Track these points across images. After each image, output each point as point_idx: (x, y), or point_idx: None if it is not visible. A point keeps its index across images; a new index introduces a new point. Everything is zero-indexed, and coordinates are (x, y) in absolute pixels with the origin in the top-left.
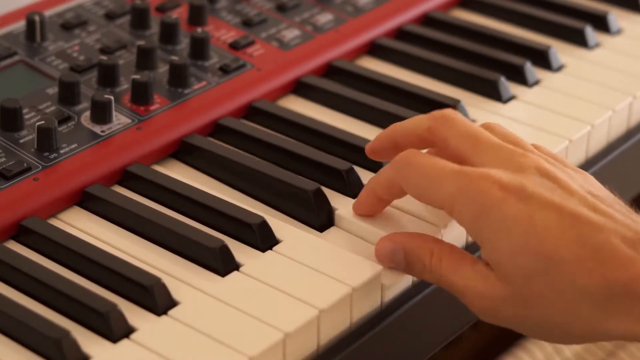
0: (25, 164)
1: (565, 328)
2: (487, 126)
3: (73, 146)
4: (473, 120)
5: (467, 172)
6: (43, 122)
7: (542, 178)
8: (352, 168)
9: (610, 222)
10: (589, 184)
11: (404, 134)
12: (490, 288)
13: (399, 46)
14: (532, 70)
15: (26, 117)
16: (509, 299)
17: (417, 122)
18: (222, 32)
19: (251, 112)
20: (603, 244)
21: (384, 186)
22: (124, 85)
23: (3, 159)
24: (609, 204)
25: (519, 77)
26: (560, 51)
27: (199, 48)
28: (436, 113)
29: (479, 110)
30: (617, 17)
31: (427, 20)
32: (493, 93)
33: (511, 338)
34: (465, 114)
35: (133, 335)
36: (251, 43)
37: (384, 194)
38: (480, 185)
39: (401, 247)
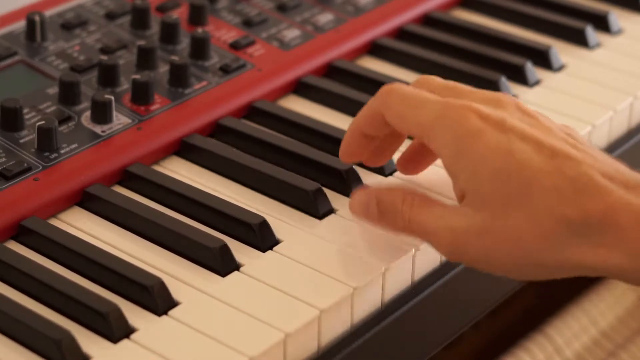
0: (25, 164)
1: (537, 259)
2: (426, 78)
3: (73, 146)
4: None
5: (448, 101)
6: (43, 122)
7: (523, 115)
8: (352, 168)
9: (589, 158)
10: (567, 129)
11: (367, 123)
12: (464, 219)
13: (399, 46)
14: (532, 70)
15: (26, 117)
16: (483, 229)
17: (370, 105)
18: (222, 32)
19: (251, 112)
20: (582, 176)
21: (366, 117)
22: (124, 85)
23: (3, 159)
24: (588, 146)
25: (520, 77)
26: (561, 51)
27: (200, 48)
28: (381, 91)
29: None
30: (618, 17)
31: (427, 20)
32: None
33: (511, 338)
34: None
35: (133, 336)
36: (251, 43)
37: (368, 128)
38: (460, 112)
39: (374, 196)
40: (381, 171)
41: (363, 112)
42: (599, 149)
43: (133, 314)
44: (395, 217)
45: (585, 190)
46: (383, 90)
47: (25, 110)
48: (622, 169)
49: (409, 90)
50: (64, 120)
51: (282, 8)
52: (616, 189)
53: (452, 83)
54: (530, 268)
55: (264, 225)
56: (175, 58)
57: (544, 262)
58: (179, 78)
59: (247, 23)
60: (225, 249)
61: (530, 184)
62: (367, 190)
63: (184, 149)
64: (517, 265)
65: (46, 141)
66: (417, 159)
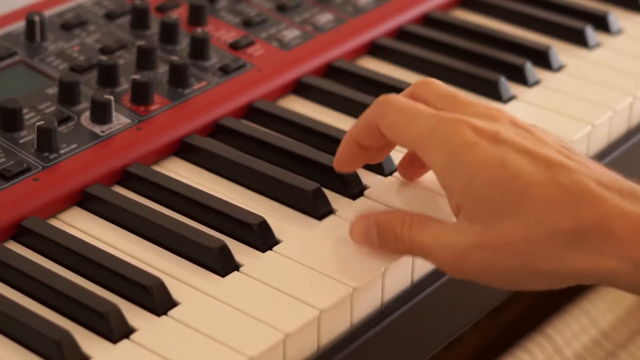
0: (25, 164)
1: (534, 268)
2: (425, 82)
3: (73, 146)
4: None
5: (443, 115)
6: (43, 122)
7: (517, 128)
8: None
9: (583, 167)
10: (562, 142)
11: (362, 133)
12: (461, 235)
13: (399, 46)
14: (532, 70)
15: (26, 117)
16: (480, 242)
17: (366, 115)
18: (222, 32)
19: (251, 112)
20: (576, 184)
21: (361, 128)
22: (124, 85)
23: (3, 159)
24: (583, 157)
25: (519, 77)
26: (561, 51)
27: (199, 48)
28: (378, 101)
29: None
30: (618, 17)
31: (427, 20)
32: (493, 93)
33: (511, 338)
34: None
35: (133, 336)
36: (251, 43)
37: (362, 138)
38: (454, 126)
39: (373, 222)
40: (381, 171)
41: (358, 122)
42: (593, 160)
43: (133, 314)
44: (395, 241)
45: (579, 199)
46: (379, 100)
47: (24, 111)
48: (616, 178)
49: (404, 101)
50: (64, 120)
51: (281, 8)
52: (611, 196)
53: (449, 92)
54: (529, 278)
55: (263, 225)
56: (174, 58)
57: (541, 270)
58: (178, 78)
59: (247, 23)
60: (225, 249)
61: (524, 194)
62: (366, 216)
63: (184, 149)
64: (517, 275)
65: (46, 141)
66: (415, 165)
